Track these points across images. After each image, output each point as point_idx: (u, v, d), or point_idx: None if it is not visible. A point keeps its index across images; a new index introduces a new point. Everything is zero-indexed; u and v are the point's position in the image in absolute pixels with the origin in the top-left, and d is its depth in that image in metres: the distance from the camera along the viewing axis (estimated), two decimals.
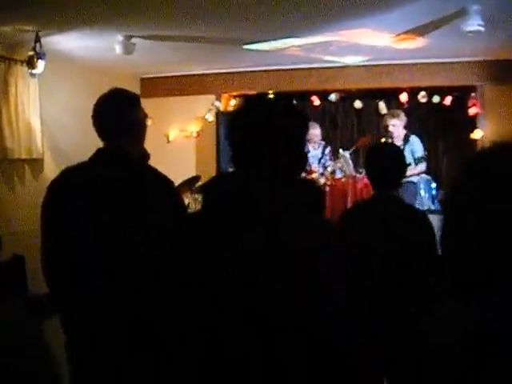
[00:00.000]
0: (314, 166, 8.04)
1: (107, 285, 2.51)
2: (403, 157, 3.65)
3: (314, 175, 7.93)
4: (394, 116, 7.48)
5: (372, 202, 3.52)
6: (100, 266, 2.51)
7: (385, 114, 8.24)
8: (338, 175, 7.97)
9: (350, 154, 8.02)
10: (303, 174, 7.69)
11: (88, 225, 2.54)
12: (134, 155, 2.72)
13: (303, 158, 1.81)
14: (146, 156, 2.80)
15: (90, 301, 2.52)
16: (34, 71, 6.50)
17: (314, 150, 8.14)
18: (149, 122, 2.96)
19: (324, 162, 8.17)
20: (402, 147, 7.25)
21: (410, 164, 7.13)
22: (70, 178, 2.69)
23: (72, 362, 2.61)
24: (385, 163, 3.41)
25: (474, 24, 5.30)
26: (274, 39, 6.79)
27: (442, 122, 9.00)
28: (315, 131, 8.06)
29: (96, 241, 2.52)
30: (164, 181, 2.71)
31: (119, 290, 2.51)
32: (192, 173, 8.27)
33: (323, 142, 8.33)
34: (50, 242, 2.63)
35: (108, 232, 2.52)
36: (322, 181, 7.91)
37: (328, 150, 8.28)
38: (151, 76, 9.48)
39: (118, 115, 2.68)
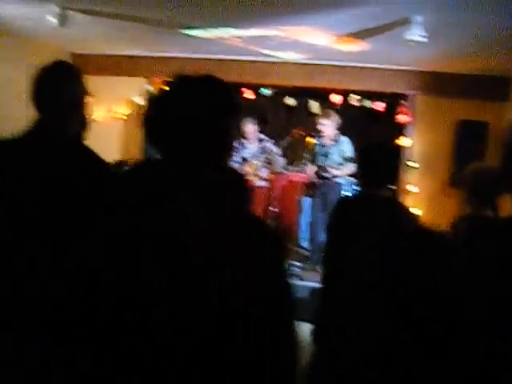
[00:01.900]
0: (252, 161, 7.95)
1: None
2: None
3: (250, 169, 7.86)
4: (324, 116, 7.55)
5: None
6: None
7: (317, 113, 8.28)
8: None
9: (282, 150, 8.03)
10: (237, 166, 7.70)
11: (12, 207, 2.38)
12: (71, 131, 2.58)
13: (226, 147, 1.73)
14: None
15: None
16: None
17: (251, 145, 8.03)
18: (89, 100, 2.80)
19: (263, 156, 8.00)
20: (331, 147, 7.35)
21: (341, 164, 7.26)
22: None
23: None
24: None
25: (416, 34, 5.37)
26: (213, 27, 6.68)
27: (370, 127, 9.09)
28: (247, 129, 7.96)
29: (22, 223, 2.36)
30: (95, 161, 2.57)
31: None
32: (115, 156, 8.05)
33: (265, 137, 8.09)
34: None
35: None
36: (264, 174, 7.92)
37: (267, 144, 8.04)
38: (84, 52, 9.11)
39: (53, 88, 2.52)
